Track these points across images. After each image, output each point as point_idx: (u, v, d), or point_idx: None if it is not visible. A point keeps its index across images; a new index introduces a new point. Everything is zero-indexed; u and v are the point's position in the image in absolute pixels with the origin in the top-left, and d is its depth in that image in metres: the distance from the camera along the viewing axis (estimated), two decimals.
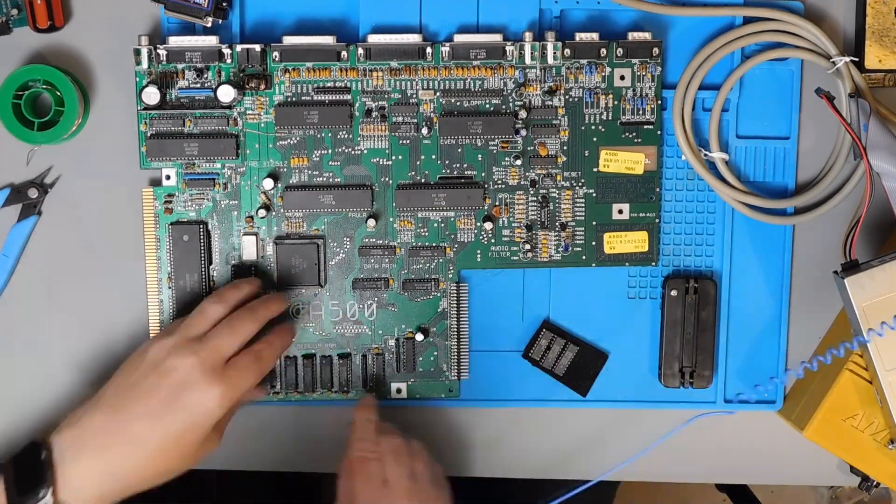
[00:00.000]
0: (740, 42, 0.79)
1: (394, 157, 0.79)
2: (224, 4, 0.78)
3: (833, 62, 0.78)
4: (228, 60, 0.78)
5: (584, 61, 0.78)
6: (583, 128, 0.79)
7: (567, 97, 0.79)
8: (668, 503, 1.48)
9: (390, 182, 0.79)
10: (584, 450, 0.84)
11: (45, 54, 0.81)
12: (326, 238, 0.80)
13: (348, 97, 0.78)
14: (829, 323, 0.83)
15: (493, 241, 0.80)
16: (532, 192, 0.80)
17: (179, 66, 0.78)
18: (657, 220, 0.80)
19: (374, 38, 0.78)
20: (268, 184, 0.78)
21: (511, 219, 0.80)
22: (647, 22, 0.80)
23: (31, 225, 0.81)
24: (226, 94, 0.77)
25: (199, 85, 0.78)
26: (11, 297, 0.82)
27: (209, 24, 0.77)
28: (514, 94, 0.79)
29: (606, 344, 0.82)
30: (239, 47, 0.77)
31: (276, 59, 0.78)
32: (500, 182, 0.80)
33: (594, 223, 0.80)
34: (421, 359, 0.81)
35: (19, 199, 0.81)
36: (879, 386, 0.74)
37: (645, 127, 0.79)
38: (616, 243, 0.80)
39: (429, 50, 0.78)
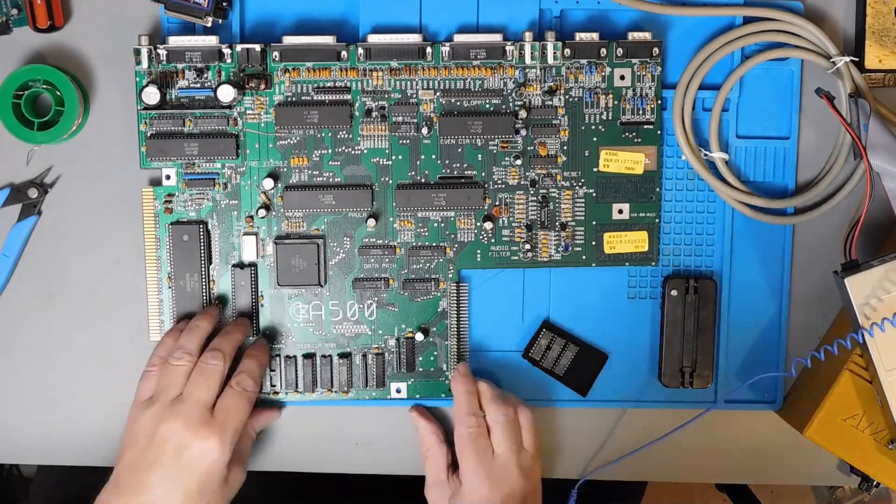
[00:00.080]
0: (740, 42, 0.79)
1: (394, 157, 0.79)
2: (224, 4, 0.78)
3: (833, 62, 0.78)
4: (228, 60, 0.78)
5: (584, 61, 0.78)
6: (583, 128, 0.79)
7: (567, 97, 0.79)
8: (667, 503, 1.48)
9: (390, 182, 0.79)
10: (584, 450, 0.84)
11: (45, 54, 0.81)
12: (326, 238, 0.80)
13: (348, 97, 0.78)
14: (828, 323, 0.83)
15: (493, 240, 0.80)
16: (532, 192, 0.80)
17: (179, 66, 0.78)
18: (657, 220, 0.80)
19: (374, 38, 0.78)
20: (268, 184, 0.78)
21: (511, 219, 0.80)
22: (647, 22, 0.80)
23: (31, 225, 0.81)
24: (226, 93, 0.77)
25: (199, 85, 0.78)
26: (11, 297, 0.82)
27: (209, 24, 0.77)
28: (514, 94, 0.79)
29: (606, 344, 0.82)
30: (239, 47, 0.77)
31: (276, 59, 0.78)
32: (500, 182, 0.80)
33: (594, 223, 0.80)
34: (421, 359, 0.81)
35: (19, 199, 0.81)
36: (879, 386, 0.74)
37: (645, 127, 0.79)
38: (616, 243, 0.80)
39: (429, 50, 0.78)
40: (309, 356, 0.81)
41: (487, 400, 0.78)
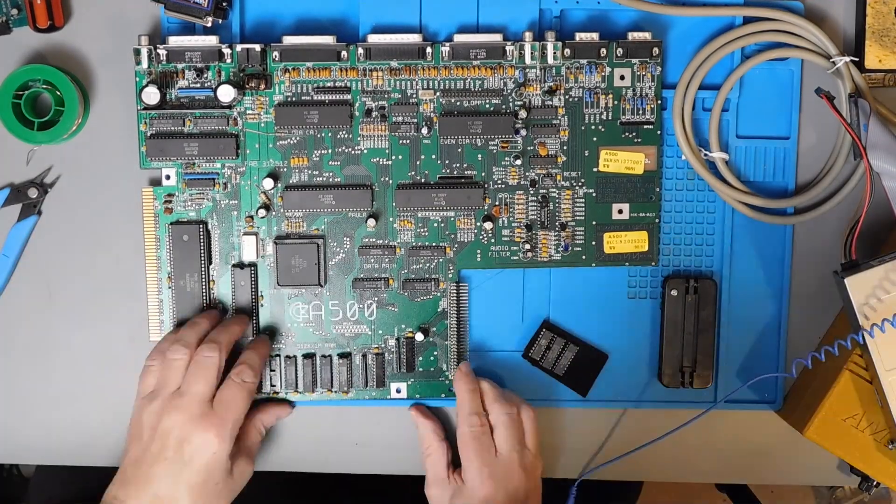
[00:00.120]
0: (740, 42, 0.79)
1: (394, 157, 0.79)
2: (224, 4, 0.78)
3: (833, 62, 0.78)
4: (228, 60, 0.78)
5: (584, 61, 0.78)
6: (583, 128, 0.79)
7: (567, 97, 0.79)
8: (667, 503, 1.48)
9: (390, 182, 0.79)
10: (584, 450, 0.84)
11: (45, 54, 0.81)
12: (326, 238, 0.80)
13: (348, 97, 0.78)
14: (828, 323, 0.83)
15: (493, 240, 0.80)
16: (532, 192, 0.80)
17: (179, 66, 0.78)
18: (657, 220, 0.80)
19: (374, 38, 0.78)
20: (268, 184, 0.78)
21: (511, 219, 0.80)
22: (647, 22, 0.80)
23: (31, 225, 0.81)
24: (226, 93, 0.77)
25: (199, 85, 0.78)
26: (11, 297, 0.82)
27: (209, 24, 0.77)
28: (514, 94, 0.79)
29: (606, 344, 0.82)
30: (239, 47, 0.77)
31: (276, 59, 0.78)
32: (500, 182, 0.80)
33: (594, 223, 0.80)
34: (421, 359, 0.81)
35: (19, 199, 0.81)
36: (879, 386, 0.74)
37: (645, 127, 0.79)
38: (616, 243, 0.80)
39: (429, 50, 0.78)
40: (309, 356, 0.81)
41: (490, 399, 0.78)
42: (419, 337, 0.80)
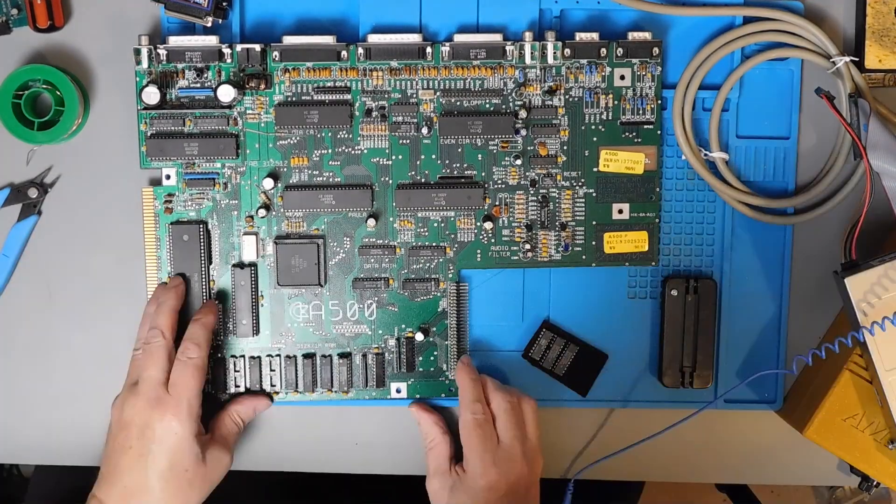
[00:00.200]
0: (740, 42, 0.79)
1: (394, 157, 0.79)
2: (224, 4, 0.78)
3: (833, 62, 0.78)
4: (228, 60, 0.78)
5: (584, 61, 0.78)
6: (583, 128, 0.79)
7: (567, 97, 0.79)
8: (667, 503, 1.48)
9: (390, 182, 0.79)
10: (584, 450, 0.84)
11: (45, 54, 0.81)
12: (326, 238, 0.80)
13: (348, 97, 0.78)
14: (828, 323, 0.83)
15: (493, 240, 0.80)
16: (532, 192, 0.80)
17: (179, 66, 0.78)
18: (657, 220, 0.80)
19: (374, 38, 0.78)
20: (268, 183, 0.78)
21: (511, 218, 0.80)
22: (647, 22, 0.80)
23: (31, 225, 0.81)
24: (226, 93, 0.77)
25: (199, 85, 0.78)
26: (11, 297, 0.82)
27: (209, 24, 0.77)
28: (514, 94, 0.79)
29: (606, 344, 0.82)
30: (239, 47, 0.77)
31: (276, 59, 0.78)
32: (500, 182, 0.80)
33: (594, 223, 0.80)
34: (421, 359, 0.81)
35: (19, 199, 0.81)
36: (879, 386, 0.74)
37: (645, 127, 0.79)
38: (616, 243, 0.80)
39: (429, 50, 0.78)
40: (309, 356, 0.81)
41: (491, 389, 0.78)
42: (419, 337, 0.80)
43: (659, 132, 0.80)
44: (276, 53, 0.77)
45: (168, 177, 0.79)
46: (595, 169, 0.80)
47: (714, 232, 0.82)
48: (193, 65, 0.78)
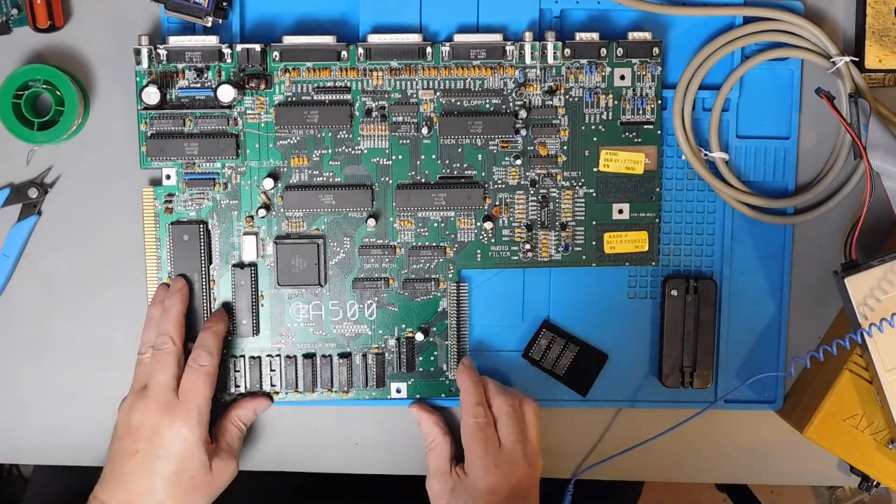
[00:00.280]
0: (740, 42, 0.79)
1: (394, 157, 0.79)
2: (224, 4, 0.78)
3: (833, 62, 0.78)
4: (228, 60, 0.78)
5: (584, 61, 0.78)
6: (583, 128, 0.79)
7: (567, 97, 0.79)
8: (667, 503, 1.48)
9: (390, 182, 0.79)
10: (584, 450, 0.84)
11: (45, 54, 0.81)
12: (326, 238, 0.80)
13: (348, 97, 0.78)
14: (828, 323, 0.83)
15: (493, 240, 0.80)
16: (532, 192, 0.80)
17: (179, 66, 0.78)
18: (657, 220, 0.80)
19: (374, 38, 0.78)
20: (268, 183, 0.78)
21: (511, 219, 0.80)
22: (647, 22, 0.80)
23: (31, 225, 0.81)
24: (226, 93, 0.77)
25: (199, 85, 0.78)
26: (11, 297, 0.82)
27: (209, 24, 0.77)
28: (514, 94, 0.79)
29: (606, 344, 0.82)
30: (239, 47, 0.77)
31: (276, 59, 0.78)
32: (500, 182, 0.80)
33: (594, 223, 0.80)
34: (421, 359, 0.81)
35: (19, 199, 0.81)
36: (879, 386, 0.74)
37: (645, 127, 0.79)
38: (616, 243, 0.80)
39: (429, 50, 0.78)
40: (309, 356, 0.81)
41: (493, 391, 0.78)
42: (419, 337, 0.80)
43: (659, 132, 0.80)
44: (276, 53, 0.77)
45: (168, 177, 0.79)
46: (595, 169, 0.80)
47: (714, 232, 0.82)
48: (193, 65, 0.78)
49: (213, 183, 0.79)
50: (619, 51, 0.78)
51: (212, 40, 0.77)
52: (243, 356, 0.80)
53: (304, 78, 0.78)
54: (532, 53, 0.78)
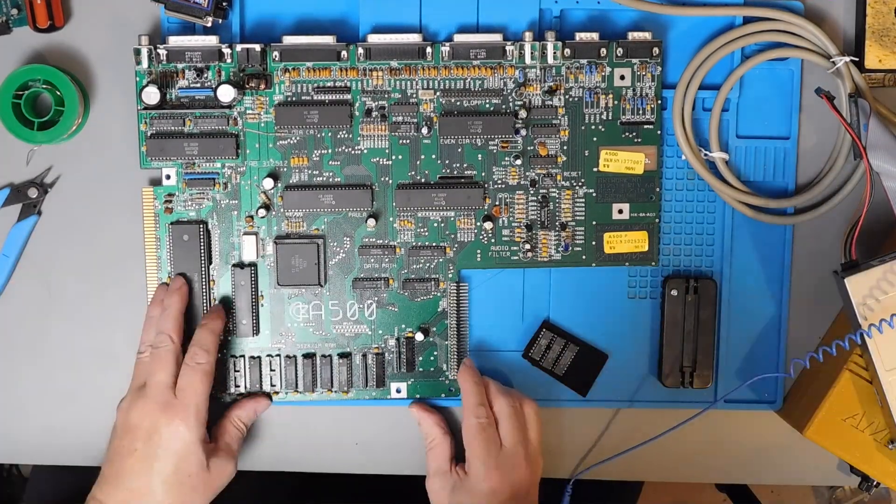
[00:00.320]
0: (740, 42, 0.79)
1: (394, 157, 0.79)
2: (224, 4, 0.78)
3: (833, 62, 0.78)
4: (228, 60, 0.78)
5: (584, 61, 0.78)
6: (583, 128, 0.79)
7: (567, 97, 0.79)
8: (667, 503, 1.48)
9: (390, 182, 0.79)
10: (584, 450, 0.84)
11: (45, 54, 0.81)
12: (326, 238, 0.80)
13: (348, 97, 0.78)
14: (828, 323, 0.83)
15: (493, 240, 0.80)
16: (532, 192, 0.80)
17: (179, 66, 0.78)
18: (657, 220, 0.80)
19: (374, 38, 0.78)
20: (268, 183, 0.78)
21: (511, 219, 0.80)
22: (647, 22, 0.80)
23: (31, 225, 0.81)
24: (226, 93, 0.77)
25: (199, 85, 0.78)
26: (11, 297, 0.82)
27: (209, 24, 0.77)
28: (514, 94, 0.79)
29: (606, 344, 0.82)
30: (239, 47, 0.77)
31: (276, 59, 0.78)
32: (500, 182, 0.80)
33: (594, 223, 0.80)
34: (421, 358, 0.81)
35: (19, 199, 0.81)
36: (879, 386, 0.74)
37: (645, 127, 0.79)
38: (616, 243, 0.80)
39: (429, 50, 0.78)
40: (309, 356, 0.81)
41: (494, 392, 0.78)
42: (419, 337, 0.80)
43: (659, 132, 0.80)
44: (276, 53, 0.77)
45: (168, 177, 0.79)
46: (595, 169, 0.80)
47: (714, 232, 0.82)
48: (193, 65, 0.78)
49: (212, 183, 0.79)
50: (619, 51, 0.78)
51: (212, 40, 0.77)
52: (243, 356, 0.80)
53: (304, 78, 0.78)
54: (532, 53, 0.78)
